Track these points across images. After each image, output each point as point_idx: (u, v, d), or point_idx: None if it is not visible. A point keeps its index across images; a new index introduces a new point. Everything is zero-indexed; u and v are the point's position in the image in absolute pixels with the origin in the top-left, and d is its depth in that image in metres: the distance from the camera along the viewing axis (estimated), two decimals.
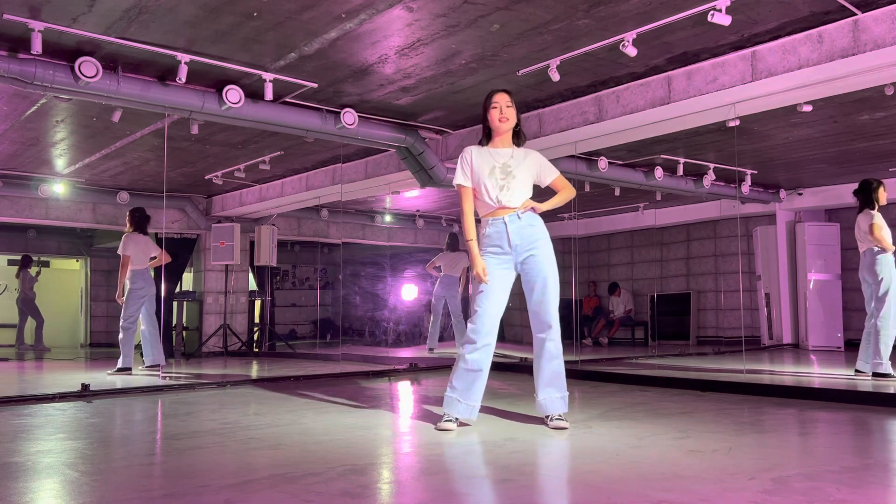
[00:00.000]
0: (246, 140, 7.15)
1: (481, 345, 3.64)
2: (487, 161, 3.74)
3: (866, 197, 6.05)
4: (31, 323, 11.67)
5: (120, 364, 6.87)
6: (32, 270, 11.76)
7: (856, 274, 6.19)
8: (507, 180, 3.69)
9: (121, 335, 6.97)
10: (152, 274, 7.34)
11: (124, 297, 6.96)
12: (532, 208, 3.72)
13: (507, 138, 3.80)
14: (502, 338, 10.16)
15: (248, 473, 2.76)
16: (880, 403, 4.46)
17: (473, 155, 3.77)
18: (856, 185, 6.22)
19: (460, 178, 3.78)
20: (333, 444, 3.30)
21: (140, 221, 7.19)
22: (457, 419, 3.66)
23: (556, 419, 3.64)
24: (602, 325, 12.25)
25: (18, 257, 11.99)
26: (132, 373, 6.83)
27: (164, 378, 6.45)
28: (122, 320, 6.98)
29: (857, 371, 5.94)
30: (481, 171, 3.72)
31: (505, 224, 3.68)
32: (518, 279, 3.82)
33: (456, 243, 9.62)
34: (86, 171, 8.42)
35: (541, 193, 3.86)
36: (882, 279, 5.82)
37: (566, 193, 3.89)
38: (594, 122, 5.85)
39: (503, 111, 3.74)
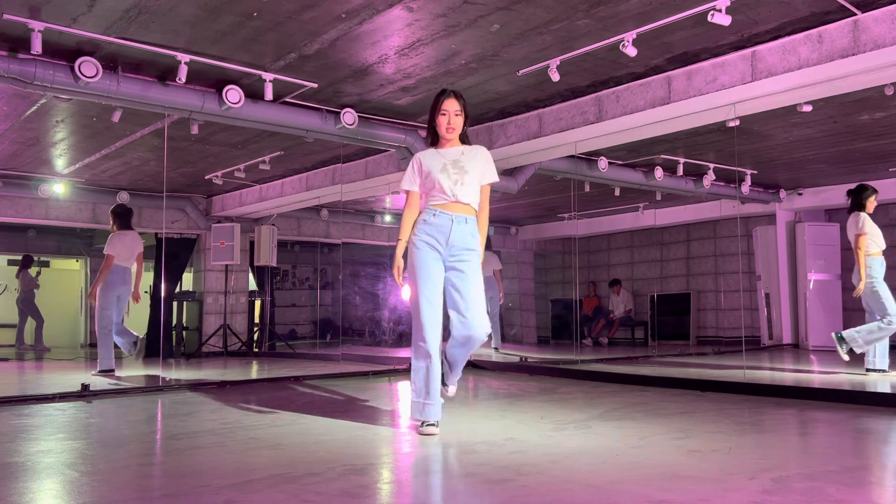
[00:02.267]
0: (246, 140, 7.15)
1: (431, 334, 3.59)
2: (437, 159, 3.72)
3: (856, 200, 6.12)
4: (31, 323, 11.67)
5: (101, 366, 6.73)
6: (32, 271, 11.77)
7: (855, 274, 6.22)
8: (460, 175, 3.66)
9: (98, 336, 6.81)
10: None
11: (97, 298, 6.79)
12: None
13: (454, 142, 3.78)
14: (502, 338, 10.17)
15: (248, 473, 2.76)
16: (880, 403, 4.47)
17: (422, 159, 3.76)
18: (855, 186, 6.27)
19: (407, 183, 3.78)
20: (333, 444, 3.31)
21: (123, 218, 7.04)
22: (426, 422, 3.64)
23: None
24: (602, 326, 12.25)
25: (19, 257, 11.99)
26: (115, 374, 6.70)
27: (164, 380, 6.43)
28: (97, 320, 6.82)
29: (868, 370, 5.97)
30: (432, 168, 3.69)
31: (451, 222, 3.63)
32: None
33: (486, 244, 9.55)
34: (86, 171, 8.42)
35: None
36: (871, 280, 5.89)
37: (483, 213, 3.78)
38: (594, 122, 5.85)
39: (451, 120, 3.71)
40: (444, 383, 3.82)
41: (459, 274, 3.62)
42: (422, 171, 3.74)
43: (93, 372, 6.89)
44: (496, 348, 9.41)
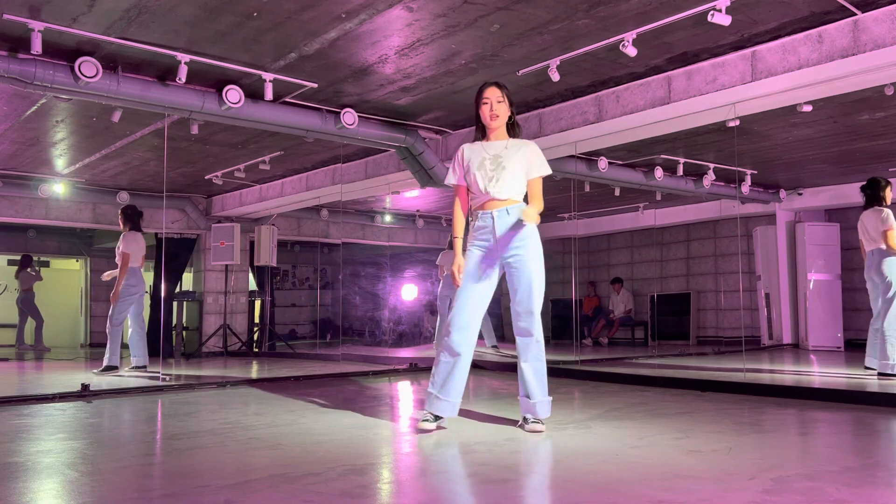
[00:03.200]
0: (246, 140, 7.15)
1: (458, 333, 3.58)
2: (479, 153, 3.70)
3: (874, 194, 6.00)
4: (31, 323, 11.67)
5: (107, 362, 6.80)
6: (34, 271, 11.79)
7: (856, 274, 6.20)
8: (496, 171, 3.62)
9: (109, 333, 6.88)
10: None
11: (122, 295, 6.84)
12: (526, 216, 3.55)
13: (501, 132, 3.75)
14: (502, 338, 10.16)
15: (248, 473, 2.76)
16: (880, 403, 4.47)
17: (465, 152, 3.76)
18: (857, 185, 6.20)
19: (450, 178, 3.80)
20: (333, 444, 3.30)
21: (135, 219, 7.07)
22: (436, 416, 3.64)
23: (533, 422, 3.60)
24: (602, 326, 12.24)
25: (19, 257, 11.99)
26: (118, 372, 6.76)
27: (164, 379, 6.44)
28: (111, 317, 6.88)
29: (867, 367, 5.94)
30: (472, 163, 3.69)
31: (493, 218, 3.61)
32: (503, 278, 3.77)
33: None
34: (86, 171, 8.42)
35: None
36: (890, 280, 5.78)
37: (535, 203, 3.64)
38: (594, 122, 5.85)
39: (493, 107, 3.68)
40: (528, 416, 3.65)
41: (512, 271, 3.64)
42: (462, 163, 3.73)
43: (95, 370, 6.91)
44: (494, 346, 9.40)
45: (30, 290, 11.60)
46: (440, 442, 3.37)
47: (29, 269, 11.63)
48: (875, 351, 5.87)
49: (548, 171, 3.73)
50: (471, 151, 3.74)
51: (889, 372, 5.71)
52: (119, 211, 7.25)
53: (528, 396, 3.65)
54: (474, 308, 3.63)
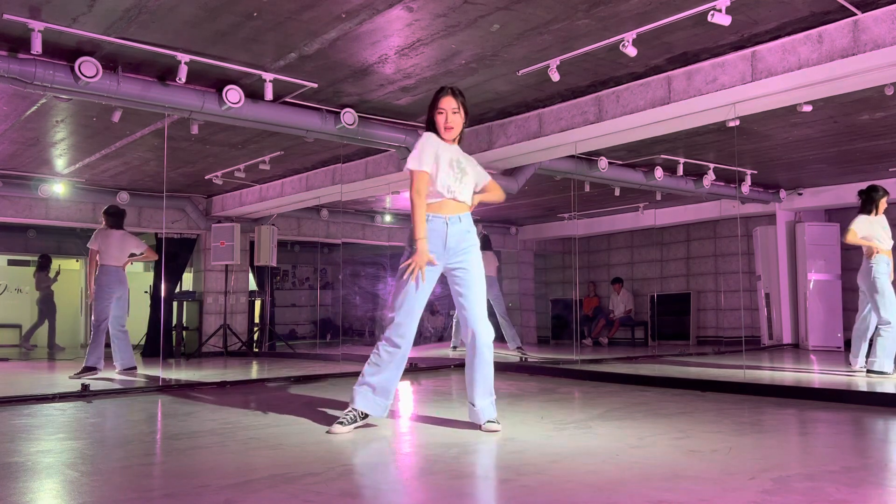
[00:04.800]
0: (246, 140, 7.15)
1: (405, 346, 3.58)
2: (446, 151, 3.58)
3: (868, 199, 6.11)
4: (30, 321, 11.71)
5: (85, 363, 6.66)
6: (52, 271, 11.90)
7: (855, 274, 6.22)
8: (461, 175, 3.60)
9: (92, 332, 6.77)
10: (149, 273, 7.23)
11: (94, 298, 6.78)
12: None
13: (454, 141, 3.69)
14: (500, 338, 10.15)
15: (248, 473, 2.76)
16: (880, 403, 4.47)
17: (435, 142, 3.57)
18: (857, 185, 6.28)
19: (419, 163, 3.49)
20: (333, 444, 3.30)
21: (114, 218, 6.97)
22: (364, 415, 3.62)
23: (488, 423, 3.58)
24: (602, 326, 12.25)
25: (19, 257, 12.02)
26: (97, 373, 6.61)
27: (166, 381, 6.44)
28: (92, 317, 6.78)
29: (869, 372, 5.98)
30: (441, 158, 3.55)
31: (446, 226, 3.54)
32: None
33: (487, 244, 9.44)
34: (86, 171, 8.42)
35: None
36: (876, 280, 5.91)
37: (499, 192, 3.91)
38: (594, 122, 5.85)
39: (449, 119, 3.59)
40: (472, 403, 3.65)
41: (458, 278, 3.59)
42: (435, 153, 3.55)
43: (71, 374, 6.72)
44: (520, 348, 9.01)
45: (48, 290, 11.68)
46: (440, 442, 3.37)
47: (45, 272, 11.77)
48: (875, 352, 5.96)
49: (489, 177, 3.86)
50: (439, 145, 3.57)
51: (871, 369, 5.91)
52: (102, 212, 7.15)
53: (478, 403, 3.63)
54: (418, 318, 3.59)
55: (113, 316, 6.82)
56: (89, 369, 6.65)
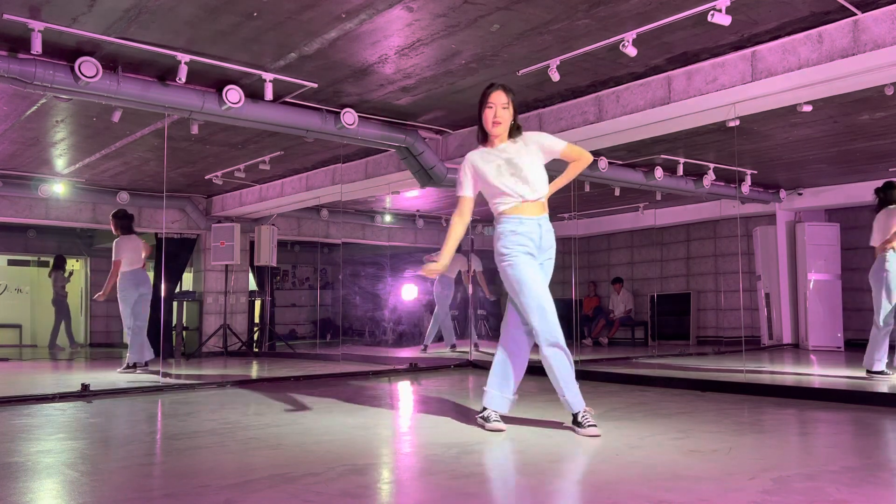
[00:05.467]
0: (246, 140, 7.15)
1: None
2: (490, 160, 3.64)
3: (888, 195, 6.03)
4: (35, 324, 11.76)
5: (131, 360, 7.16)
6: (66, 272, 11.99)
7: (856, 274, 6.20)
8: (517, 174, 3.60)
9: (131, 335, 7.20)
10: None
11: (119, 301, 7.14)
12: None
13: (503, 137, 3.70)
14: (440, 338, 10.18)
15: (248, 473, 2.76)
16: (880, 403, 4.47)
17: (475, 161, 3.66)
18: (857, 185, 6.23)
19: (460, 189, 3.68)
20: (333, 444, 3.30)
21: (127, 223, 7.30)
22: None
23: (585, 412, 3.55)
24: (602, 326, 12.25)
25: (19, 257, 12.04)
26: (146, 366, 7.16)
27: (165, 376, 6.45)
28: (134, 321, 7.15)
29: (869, 372, 5.96)
30: (487, 172, 3.61)
31: (540, 227, 3.65)
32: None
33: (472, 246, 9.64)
34: (86, 171, 8.42)
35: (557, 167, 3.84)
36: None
37: (581, 162, 3.86)
38: (594, 122, 5.85)
39: (497, 114, 3.63)
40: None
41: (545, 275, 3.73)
42: (473, 175, 3.66)
43: (118, 369, 7.19)
44: (453, 346, 9.47)
45: (62, 289, 11.77)
46: (440, 442, 3.37)
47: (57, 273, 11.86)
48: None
49: (562, 143, 3.78)
50: (481, 160, 3.66)
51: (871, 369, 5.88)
52: (111, 216, 7.42)
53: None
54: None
55: (136, 313, 7.21)
56: (136, 365, 7.15)
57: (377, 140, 6.58)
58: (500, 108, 3.65)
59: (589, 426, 3.44)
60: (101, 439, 3.61)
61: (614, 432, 3.52)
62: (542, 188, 3.67)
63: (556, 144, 3.77)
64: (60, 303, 11.85)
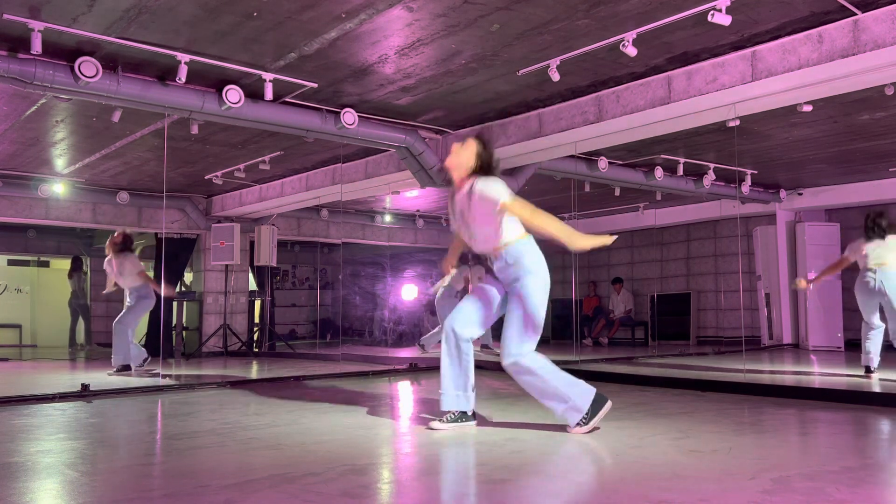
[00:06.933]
0: (246, 140, 7.15)
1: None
2: (454, 206, 3.75)
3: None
4: (35, 324, 11.79)
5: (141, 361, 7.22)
6: (84, 272, 12.11)
7: (855, 274, 6.20)
8: (468, 230, 3.68)
9: (114, 336, 7.20)
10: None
11: (132, 305, 7.18)
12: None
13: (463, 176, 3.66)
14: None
15: (248, 473, 2.76)
16: (880, 403, 4.47)
17: (451, 198, 3.78)
18: (857, 185, 6.26)
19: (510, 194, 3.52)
20: (333, 444, 3.30)
21: (128, 244, 7.27)
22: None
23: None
24: (602, 325, 12.24)
25: (19, 257, 12.07)
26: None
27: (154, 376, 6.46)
28: (120, 321, 7.14)
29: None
30: (452, 216, 3.78)
31: (492, 262, 3.68)
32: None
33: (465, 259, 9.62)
34: (86, 171, 8.42)
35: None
36: None
37: (532, 224, 3.50)
38: (594, 122, 5.85)
39: (448, 162, 3.72)
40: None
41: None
42: (452, 209, 3.79)
43: (109, 371, 7.17)
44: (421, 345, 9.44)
45: (81, 290, 11.93)
46: (440, 442, 3.37)
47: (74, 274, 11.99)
48: None
49: (503, 198, 3.43)
50: (451, 201, 3.78)
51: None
52: (110, 241, 7.25)
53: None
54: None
55: (131, 318, 7.27)
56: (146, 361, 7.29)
57: (377, 140, 6.58)
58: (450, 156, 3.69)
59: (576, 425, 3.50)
60: (100, 439, 3.61)
61: (614, 432, 3.52)
62: (491, 241, 3.58)
63: (494, 202, 3.46)
64: (78, 303, 11.97)
